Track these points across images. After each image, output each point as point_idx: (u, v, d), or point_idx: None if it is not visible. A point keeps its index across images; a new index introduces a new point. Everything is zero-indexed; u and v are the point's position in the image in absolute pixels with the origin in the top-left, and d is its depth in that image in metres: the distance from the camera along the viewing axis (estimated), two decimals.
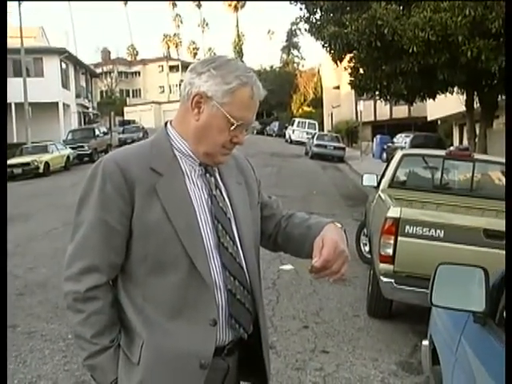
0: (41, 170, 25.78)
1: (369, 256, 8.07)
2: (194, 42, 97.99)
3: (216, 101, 1.83)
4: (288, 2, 18.58)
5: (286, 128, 51.33)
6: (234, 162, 2.09)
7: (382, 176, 8.13)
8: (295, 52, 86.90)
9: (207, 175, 1.97)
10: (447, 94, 18.40)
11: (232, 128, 1.84)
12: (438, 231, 5.54)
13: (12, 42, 35.67)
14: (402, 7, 15.07)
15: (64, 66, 42.49)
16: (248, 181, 2.10)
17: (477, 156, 8.20)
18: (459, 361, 2.64)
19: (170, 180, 1.87)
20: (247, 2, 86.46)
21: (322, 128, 49.64)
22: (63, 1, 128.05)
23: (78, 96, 46.52)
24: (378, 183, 8.10)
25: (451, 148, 8.87)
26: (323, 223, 2.00)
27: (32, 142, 30.37)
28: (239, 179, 2.07)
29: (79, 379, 4.83)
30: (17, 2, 33.94)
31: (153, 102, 76.14)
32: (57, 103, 40.32)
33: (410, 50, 14.27)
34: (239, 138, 1.90)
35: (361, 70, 17.75)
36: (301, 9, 17.95)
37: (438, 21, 13.64)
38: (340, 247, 1.86)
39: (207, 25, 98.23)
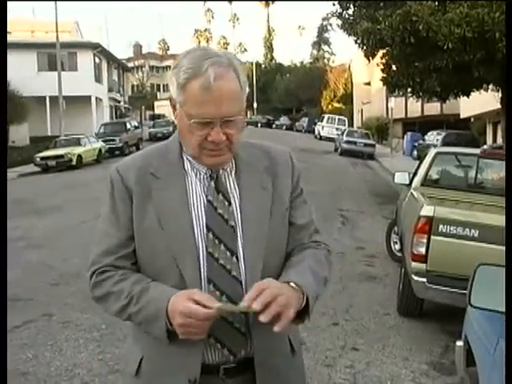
0: (73, 163, 26.06)
1: (399, 254, 8.04)
2: (224, 37, 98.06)
3: (177, 102, 1.71)
4: None
5: (316, 124, 51.07)
6: (267, 163, 1.85)
7: (415, 174, 8.09)
8: (326, 47, 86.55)
9: (210, 178, 1.79)
10: (482, 91, 18.16)
11: (196, 126, 1.65)
12: (472, 231, 5.49)
13: (48, 36, 36.14)
14: (437, 3, 14.85)
15: (97, 60, 42.87)
16: (278, 186, 1.82)
17: None
18: (497, 363, 2.62)
19: (168, 184, 1.78)
20: None
21: (351, 124, 49.40)
22: None
23: (110, 90, 46.90)
24: (411, 181, 8.04)
25: (485, 146, 8.80)
26: (287, 280, 1.67)
27: (65, 135, 30.67)
28: (265, 183, 1.81)
29: (112, 368, 4.91)
30: None
31: None
32: (90, 97, 40.70)
33: (445, 47, 14.09)
34: (212, 136, 1.64)
35: (393, 67, 17.57)
36: (333, 4, 17.86)
37: (474, 17, 13.45)
38: (274, 295, 1.55)
39: (238, 20, 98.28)
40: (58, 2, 33.89)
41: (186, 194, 1.77)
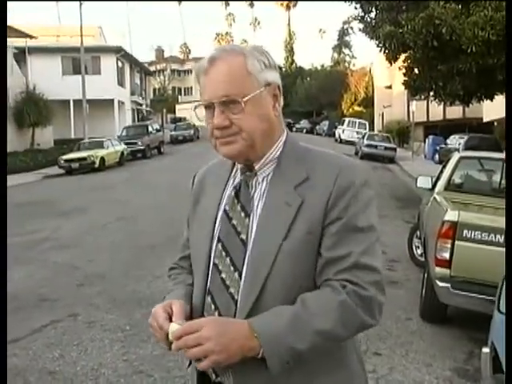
0: (96, 165, 26.22)
1: (421, 259, 7.98)
2: (245, 41, 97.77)
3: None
4: (341, 1, 18.48)
5: (336, 127, 50.86)
6: (305, 176, 1.61)
7: (438, 178, 8.02)
8: (346, 51, 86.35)
9: (236, 186, 1.71)
10: (505, 94, 18.02)
11: (207, 115, 1.62)
12: (497, 236, 5.41)
13: (72, 40, 36.46)
14: (460, 6, 14.65)
15: (120, 64, 43.15)
16: (306, 206, 1.56)
17: None
18: None
19: (207, 193, 1.79)
20: (299, 1, 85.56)
21: (372, 128, 49.11)
22: (121, 1, 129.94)
23: (132, 93, 47.17)
24: (433, 185, 7.96)
25: None
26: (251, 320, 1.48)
27: (89, 138, 30.91)
28: (291, 199, 1.57)
29: (137, 369, 4.91)
30: (78, 2, 34.56)
31: None
32: (112, 100, 40.96)
33: (469, 50, 13.89)
34: (213, 121, 1.58)
35: (416, 70, 17.40)
36: (355, 8, 17.76)
37: (499, 20, 13.20)
38: (196, 329, 1.43)
39: (259, 23, 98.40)
40: (82, 8, 34.18)
41: (219, 203, 1.71)
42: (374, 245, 1.57)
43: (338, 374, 1.61)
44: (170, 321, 1.54)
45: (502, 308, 2.63)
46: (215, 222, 1.69)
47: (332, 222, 1.54)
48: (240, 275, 1.59)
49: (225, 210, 1.67)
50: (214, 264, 1.65)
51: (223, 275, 1.62)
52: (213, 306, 1.62)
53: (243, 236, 1.61)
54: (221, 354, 1.41)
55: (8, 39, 34.72)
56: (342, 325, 1.48)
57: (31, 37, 36.03)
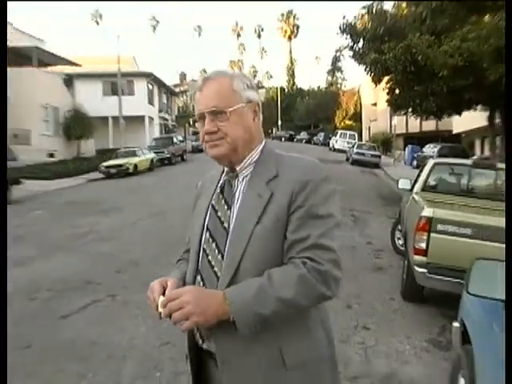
0: (131, 171, 26.24)
1: (402, 248, 7.97)
2: (253, 66, 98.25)
3: None
4: (334, 33, 18.56)
5: (330, 138, 50.93)
6: (275, 174, 1.66)
7: (416, 181, 7.99)
8: (338, 74, 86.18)
9: (221, 185, 1.78)
10: (471, 111, 18.07)
11: (199, 124, 1.70)
12: (466, 229, 5.43)
13: (111, 67, 36.67)
14: (433, 37, 14.84)
15: (150, 86, 43.27)
16: (275, 198, 1.60)
17: (499, 165, 7.94)
18: (491, 342, 2.60)
19: (202, 195, 1.86)
20: (299, 33, 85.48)
21: (360, 138, 49.04)
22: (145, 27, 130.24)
23: (160, 111, 47.27)
24: (412, 187, 7.96)
25: (474, 157, 8.73)
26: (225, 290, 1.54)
27: (124, 148, 30.98)
28: (263, 192, 1.62)
29: (164, 341, 4.92)
30: (116, 36, 34.73)
31: None
32: (144, 116, 41.10)
33: (440, 74, 14.16)
34: (205, 127, 1.66)
35: (396, 91, 17.52)
36: (346, 38, 17.89)
37: (465, 49, 13.48)
38: (180, 294, 1.52)
39: (265, 52, 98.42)
40: (119, 39, 34.28)
41: (210, 200, 1.78)
42: (332, 229, 1.59)
43: (302, 340, 1.63)
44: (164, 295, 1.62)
45: (471, 290, 2.62)
46: (206, 215, 1.75)
47: (295, 210, 1.58)
48: (222, 257, 1.64)
49: (212, 205, 1.74)
50: (203, 249, 1.71)
51: (210, 257, 1.67)
52: (201, 283, 1.67)
53: (226, 225, 1.67)
54: (200, 316, 1.48)
55: (58, 67, 35.00)
56: (302, 295, 1.51)
57: (77, 65, 36.25)
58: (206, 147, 1.70)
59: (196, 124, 1.74)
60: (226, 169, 1.79)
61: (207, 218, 1.74)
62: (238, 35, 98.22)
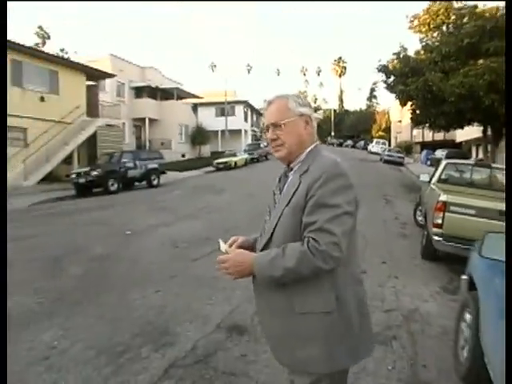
0: (232, 166, 26.48)
1: (421, 223, 7.61)
2: (314, 95, 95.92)
3: None
4: (371, 72, 18.05)
5: (368, 144, 49.28)
6: (305, 169, 1.52)
7: (433, 175, 7.59)
8: (374, 100, 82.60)
9: (280, 176, 1.68)
10: (470, 126, 17.22)
11: (266, 133, 1.62)
12: (471, 210, 5.16)
13: (220, 98, 37.31)
14: (444, 74, 14.14)
15: (245, 109, 43.53)
16: (300, 187, 1.49)
17: (493, 165, 7.49)
18: (492, 288, 2.45)
19: (277, 185, 1.69)
20: (346, 71, 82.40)
21: (389, 145, 47.06)
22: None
23: (251, 125, 47.44)
24: (430, 179, 7.55)
25: (472, 159, 8.19)
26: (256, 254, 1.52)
27: (228, 151, 31.45)
28: (296, 183, 1.51)
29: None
30: (225, 78, 35.07)
31: None
32: (241, 130, 41.47)
33: (449, 100, 13.55)
34: (267, 135, 1.61)
35: (417, 111, 16.77)
36: (381, 75, 17.27)
37: (467, 82, 12.97)
38: (224, 261, 1.52)
39: (322, 85, 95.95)
40: (226, 80, 34.48)
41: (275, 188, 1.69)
42: (338, 216, 1.40)
43: (310, 295, 1.47)
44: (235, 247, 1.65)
45: (484, 253, 2.47)
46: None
47: (310, 198, 1.44)
48: (271, 223, 1.57)
49: (273, 191, 1.67)
50: (265, 222, 1.63)
51: (265, 226, 1.62)
52: (258, 243, 1.63)
53: (276, 205, 1.59)
54: (236, 274, 1.50)
55: (188, 99, 35.94)
56: (302, 266, 1.39)
57: (200, 97, 37.05)
58: (273, 151, 1.63)
59: (265, 133, 1.65)
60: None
61: (273, 196, 1.67)
62: (304, 74, 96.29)
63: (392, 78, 16.83)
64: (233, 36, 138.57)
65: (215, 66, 77.69)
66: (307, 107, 1.62)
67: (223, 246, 1.61)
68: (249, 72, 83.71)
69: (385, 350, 3.26)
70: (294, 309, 1.47)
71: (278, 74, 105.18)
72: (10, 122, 17.64)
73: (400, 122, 47.83)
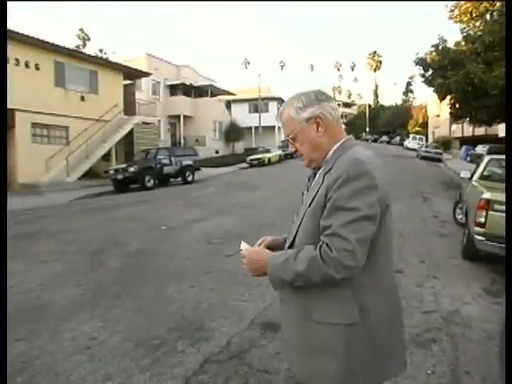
0: (266, 162, 26.51)
1: (461, 221, 7.29)
2: (349, 91, 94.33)
3: None
4: (406, 65, 17.59)
5: (404, 140, 47.88)
6: (328, 170, 1.42)
7: (474, 172, 7.25)
8: (410, 94, 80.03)
9: (309, 177, 1.61)
10: None
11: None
12: None
13: (254, 94, 37.34)
14: (487, 65, 13.46)
15: (278, 105, 43.17)
16: (321, 188, 1.39)
17: None
18: None
19: (308, 183, 1.61)
20: (382, 66, 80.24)
21: (427, 140, 45.54)
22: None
23: None
24: (471, 176, 7.21)
25: None
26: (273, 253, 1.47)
27: (262, 147, 31.48)
28: (319, 182, 1.42)
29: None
30: (257, 75, 35.09)
31: None
32: (274, 126, 41.28)
33: (492, 93, 12.88)
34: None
35: (457, 105, 16.10)
36: (419, 69, 16.70)
37: None
38: (245, 257, 1.50)
39: (356, 80, 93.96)
40: (260, 76, 34.51)
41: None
42: (355, 221, 1.28)
43: (329, 305, 1.37)
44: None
45: None
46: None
47: (328, 200, 1.34)
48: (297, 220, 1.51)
49: (302, 191, 1.59)
50: (293, 222, 1.55)
51: (292, 227, 1.52)
52: (288, 235, 1.55)
53: (304, 201, 1.52)
54: (252, 271, 1.47)
55: (220, 97, 36.24)
56: (311, 272, 1.31)
57: (233, 94, 37.24)
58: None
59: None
60: None
61: (302, 197, 1.60)
62: (338, 69, 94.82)
63: (430, 72, 16.29)
64: (265, 33, 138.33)
65: (249, 62, 78.03)
66: (314, 106, 1.47)
67: (243, 246, 1.60)
68: (282, 68, 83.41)
69: (424, 354, 3.15)
70: (311, 316, 1.39)
71: (312, 70, 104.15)
72: (54, 121, 18.54)
73: (438, 116, 46.12)
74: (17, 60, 17.10)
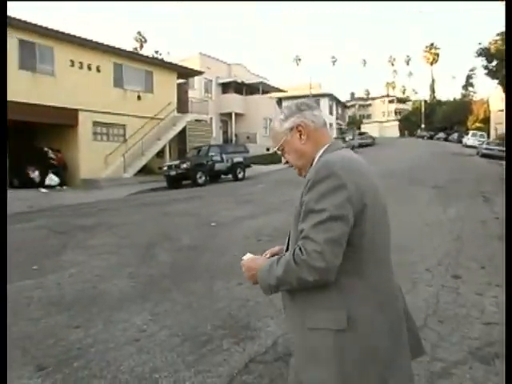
0: None
1: None
2: (403, 86, 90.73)
3: None
4: (466, 57, 16.50)
5: (463, 137, 45.12)
6: (310, 171, 1.40)
7: None
8: (470, 88, 75.29)
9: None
10: None
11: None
12: None
13: (305, 91, 36.99)
14: None
15: (330, 102, 42.79)
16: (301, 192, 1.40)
17: None
18: None
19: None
20: (439, 59, 76.09)
21: (488, 137, 42.62)
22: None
23: (336, 118, 46.46)
24: None
25: None
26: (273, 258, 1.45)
27: None
28: (303, 188, 1.39)
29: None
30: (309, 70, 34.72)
31: (377, 122, 72.91)
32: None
33: None
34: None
35: None
36: (481, 60, 15.65)
37: None
38: (243, 265, 1.50)
39: (411, 74, 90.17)
40: (311, 72, 34.16)
41: None
42: (323, 222, 1.26)
43: (320, 312, 1.33)
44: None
45: None
46: None
47: (301, 204, 1.35)
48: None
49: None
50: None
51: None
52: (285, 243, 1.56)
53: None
54: (248, 278, 1.47)
55: (273, 94, 36.23)
56: (288, 275, 1.31)
57: (284, 91, 37.16)
58: None
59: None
60: None
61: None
62: (392, 64, 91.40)
63: (495, 62, 15.22)
64: (316, 28, 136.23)
65: (300, 59, 77.51)
66: (295, 115, 1.50)
67: (246, 256, 1.59)
68: (333, 64, 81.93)
69: (485, 370, 2.89)
70: (304, 322, 1.38)
71: (364, 65, 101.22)
72: (113, 119, 19.51)
73: (502, 111, 42.92)
74: (80, 63, 18.17)
